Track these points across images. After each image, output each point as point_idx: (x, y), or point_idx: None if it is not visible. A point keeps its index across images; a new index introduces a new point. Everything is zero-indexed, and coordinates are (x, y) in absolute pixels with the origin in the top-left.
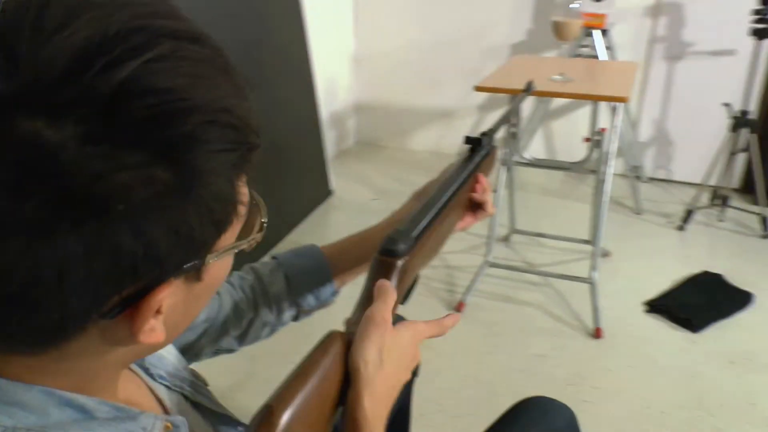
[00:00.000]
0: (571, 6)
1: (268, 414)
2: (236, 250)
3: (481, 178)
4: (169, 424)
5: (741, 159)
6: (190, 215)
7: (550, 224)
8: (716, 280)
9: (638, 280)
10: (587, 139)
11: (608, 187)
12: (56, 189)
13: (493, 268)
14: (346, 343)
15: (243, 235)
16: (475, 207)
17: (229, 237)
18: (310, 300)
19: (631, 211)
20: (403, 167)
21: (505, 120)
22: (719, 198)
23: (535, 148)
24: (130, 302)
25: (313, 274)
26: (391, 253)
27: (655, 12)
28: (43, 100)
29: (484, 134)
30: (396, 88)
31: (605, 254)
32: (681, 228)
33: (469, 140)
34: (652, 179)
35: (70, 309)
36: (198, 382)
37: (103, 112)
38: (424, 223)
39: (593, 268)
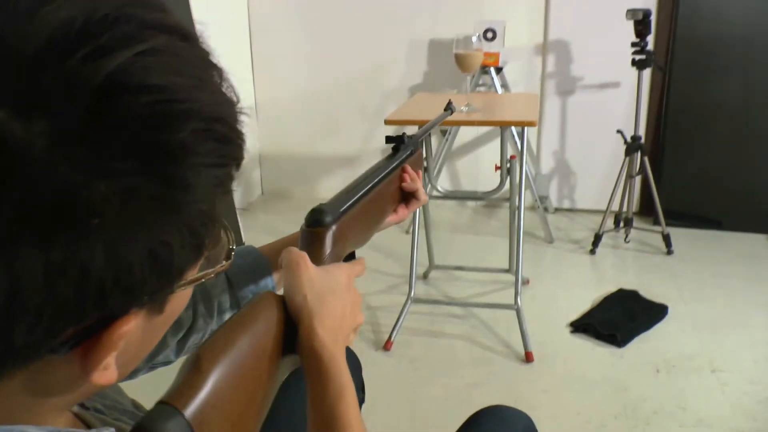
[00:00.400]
0: (473, 39)
1: (195, 361)
2: (203, 279)
3: (409, 169)
4: None
5: (638, 182)
6: (172, 236)
7: (465, 258)
8: (632, 295)
9: (559, 304)
10: (498, 167)
11: (522, 210)
12: (18, 196)
13: (417, 305)
14: (278, 298)
15: (209, 263)
16: (407, 198)
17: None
18: (249, 293)
19: (543, 241)
20: None
21: (426, 131)
22: (623, 221)
23: (441, 185)
24: (87, 335)
25: (253, 272)
26: (317, 223)
27: (543, 50)
28: (9, 85)
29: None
30: (298, 136)
31: (524, 282)
32: (592, 252)
33: (391, 139)
34: (558, 210)
35: (13, 342)
36: (139, 413)
37: (85, 108)
38: (350, 201)
39: (517, 293)
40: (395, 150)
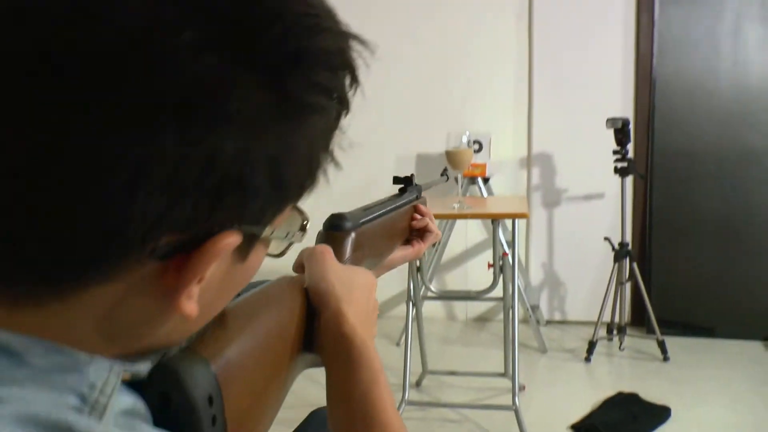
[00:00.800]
0: (463, 139)
1: (220, 317)
2: (285, 241)
3: (421, 207)
4: (127, 374)
5: (629, 290)
6: (288, 153)
7: (458, 366)
8: (633, 398)
9: (557, 408)
10: (491, 265)
11: (516, 306)
12: (164, 78)
13: (411, 410)
14: (301, 284)
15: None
16: (421, 234)
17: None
18: None
19: (537, 351)
20: None
21: (427, 186)
22: (616, 329)
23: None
24: (186, 247)
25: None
26: (337, 227)
27: (528, 163)
28: None
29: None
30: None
31: (520, 388)
32: (587, 359)
33: (398, 180)
34: (549, 322)
35: (129, 224)
36: None
37: (237, 7)
38: (368, 216)
39: (515, 393)
40: (401, 191)
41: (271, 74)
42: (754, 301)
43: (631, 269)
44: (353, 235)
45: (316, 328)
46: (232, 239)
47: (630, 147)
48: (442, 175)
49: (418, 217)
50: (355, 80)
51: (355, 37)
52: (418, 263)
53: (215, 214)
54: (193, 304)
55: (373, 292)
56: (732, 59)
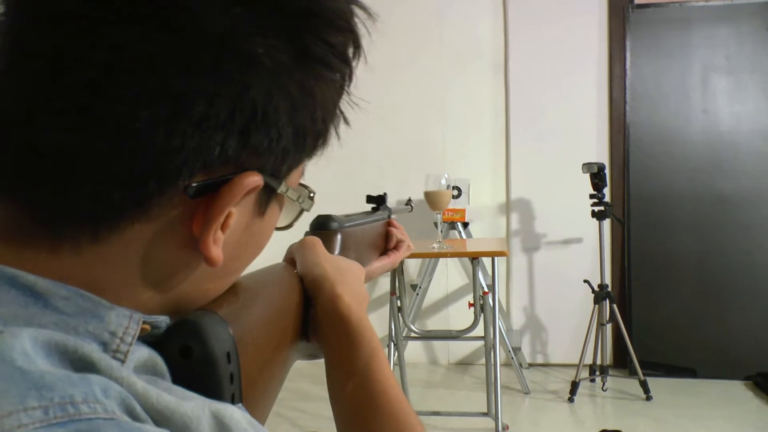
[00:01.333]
0: (442, 181)
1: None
2: (299, 201)
3: (394, 222)
4: (147, 326)
5: (610, 333)
6: (307, 97)
7: (441, 408)
8: None
9: None
10: (471, 304)
11: (498, 344)
12: (205, 26)
13: None
14: (295, 271)
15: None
16: (397, 246)
17: (295, 176)
18: None
19: (520, 392)
20: None
21: (397, 211)
22: (599, 369)
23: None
24: (213, 186)
25: None
26: (323, 226)
27: (507, 209)
28: None
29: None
30: None
31: (504, 428)
32: (570, 400)
33: (372, 199)
34: (532, 365)
35: (167, 157)
36: None
37: None
38: (351, 222)
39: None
40: (374, 210)
41: (288, 28)
42: (734, 341)
43: (612, 311)
44: (340, 235)
45: (311, 316)
46: (256, 178)
47: (606, 191)
48: (406, 204)
49: (394, 230)
50: (358, 48)
51: (361, 5)
52: (399, 304)
53: (242, 153)
54: (219, 249)
55: (363, 280)
56: (701, 108)
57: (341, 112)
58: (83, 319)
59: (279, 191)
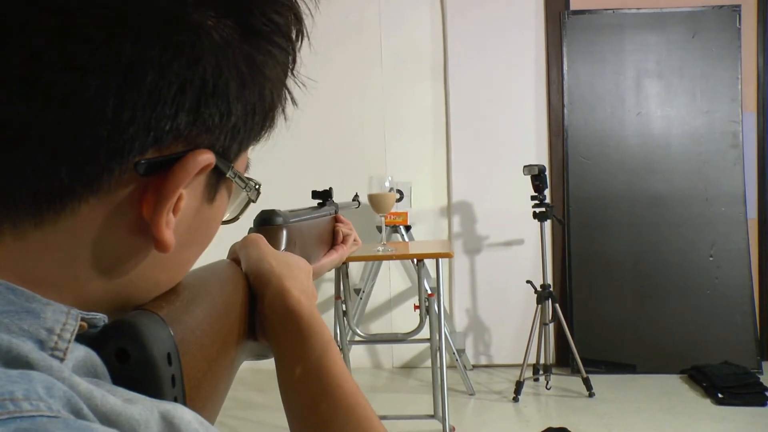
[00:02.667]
0: (386, 183)
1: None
2: (246, 189)
3: (341, 217)
4: (84, 323)
5: (553, 332)
6: (256, 72)
7: (386, 411)
8: (562, 430)
9: None
10: (417, 306)
11: (443, 346)
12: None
13: None
14: (238, 268)
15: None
16: (344, 241)
17: (242, 162)
18: None
19: (465, 394)
20: None
21: (344, 206)
22: (542, 368)
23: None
24: (165, 165)
25: None
26: (268, 221)
27: (448, 212)
28: None
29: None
30: None
31: (450, 429)
32: (515, 399)
33: (317, 194)
34: (476, 366)
35: (117, 130)
36: None
37: None
38: (296, 217)
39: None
40: (320, 205)
41: (232, 4)
42: (670, 337)
43: (554, 310)
44: (285, 230)
45: (258, 313)
46: (207, 156)
47: (547, 193)
48: (353, 200)
49: (341, 225)
50: (301, 27)
51: None
52: (344, 308)
53: (193, 129)
54: (171, 233)
55: (310, 275)
56: (635, 111)
57: (289, 92)
58: (16, 316)
59: (228, 175)
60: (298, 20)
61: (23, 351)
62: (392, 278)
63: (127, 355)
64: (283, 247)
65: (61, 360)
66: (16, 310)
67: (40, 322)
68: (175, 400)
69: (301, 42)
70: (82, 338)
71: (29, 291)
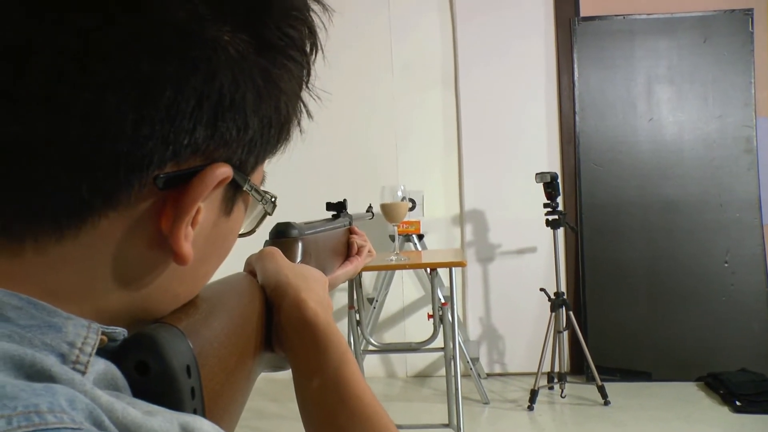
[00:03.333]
0: (398, 192)
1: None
2: (263, 202)
3: (356, 229)
4: (104, 337)
5: (567, 340)
6: (271, 85)
7: (401, 420)
8: None
9: None
10: (430, 316)
11: (458, 355)
12: (169, 14)
13: None
14: (254, 281)
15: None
16: (359, 252)
17: (258, 175)
18: None
19: (479, 403)
20: None
21: (358, 218)
22: (557, 377)
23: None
24: (183, 179)
25: None
26: (283, 234)
27: (461, 220)
28: None
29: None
30: None
31: None
32: (530, 408)
33: (331, 206)
34: (490, 375)
35: (137, 145)
36: None
37: None
38: (312, 229)
39: None
40: (335, 217)
41: (246, 19)
42: (686, 344)
43: (568, 318)
44: (300, 242)
45: (275, 325)
46: (225, 169)
47: (560, 200)
48: (367, 211)
49: (355, 237)
50: (315, 40)
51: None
52: (357, 317)
53: (211, 143)
54: (190, 246)
55: (326, 287)
56: (647, 117)
57: (304, 105)
58: (38, 331)
59: (245, 188)
60: (312, 33)
61: (46, 365)
62: (405, 287)
63: (148, 368)
64: (298, 259)
65: (83, 373)
66: (39, 324)
67: (62, 336)
68: (195, 412)
69: (315, 55)
70: (102, 352)
71: (51, 305)
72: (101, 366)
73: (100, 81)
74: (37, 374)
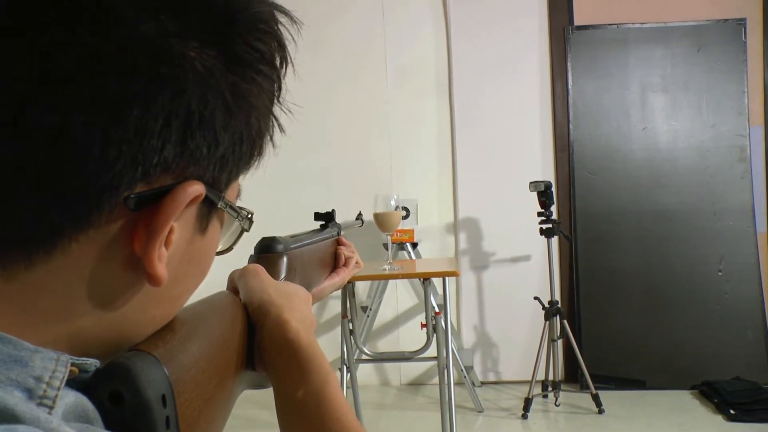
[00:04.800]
0: (391, 202)
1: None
2: (238, 219)
3: (344, 239)
4: (75, 369)
5: (561, 348)
6: (241, 100)
7: (394, 430)
8: None
9: None
10: (423, 325)
11: (451, 364)
12: (136, 34)
13: None
14: (238, 299)
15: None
16: (346, 263)
17: (233, 192)
18: None
19: (473, 411)
20: None
21: (346, 227)
22: (551, 385)
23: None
24: (154, 198)
25: None
26: (268, 249)
27: (455, 228)
28: None
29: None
30: None
31: None
32: (524, 416)
33: (320, 216)
34: (484, 383)
35: (106, 166)
36: None
37: None
38: (297, 243)
39: None
40: (323, 227)
41: (214, 34)
42: (680, 352)
43: (562, 326)
44: (285, 257)
45: (257, 344)
46: (197, 187)
47: (553, 209)
48: (357, 218)
49: (343, 248)
50: (284, 53)
51: (282, 11)
52: (351, 326)
53: (181, 161)
54: (164, 267)
55: (309, 305)
56: (641, 125)
57: (275, 119)
58: (4, 366)
59: (219, 205)
60: (282, 47)
61: (9, 404)
62: (399, 295)
63: (122, 398)
64: (283, 274)
65: (51, 407)
66: (3, 359)
67: (28, 371)
68: None
69: (286, 69)
70: (73, 383)
71: (17, 339)
72: (71, 398)
73: (66, 102)
74: None
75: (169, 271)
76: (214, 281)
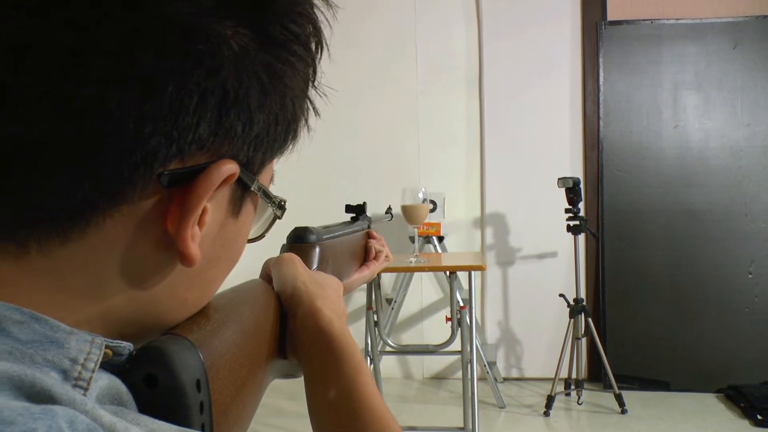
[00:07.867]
0: (419, 194)
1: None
2: (271, 204)
3: (374, 233)
4: (109, 351)
5: (585, 347)
6: (276, 79)
7: (416, 423)
8: None
9: None
10: (448, 319)
11: (474, 359)
12: (171, 10)
13: None
14: (269, 287)
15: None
16: (376, 257)
17: (266, 176)
18: None
19: (495, 407)
20: None
21: (376, 220)
22: (574, 383)
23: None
24: (188, 177)
25: None
26: (301, 239)
27: (481, 223)
28: None
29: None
30: None
31: None
32: (546, 414)
33: (351, 208)
34: (507, 379)
35: (140, 141)
36: None
37: None
38: (330, 234)
39: None
40: (354, 219)
41: (248, 14)
42: (706, 354)
43: (587, 325)
44: (318, 247)
45: (289, 332)
46: (231, 166)
47: (581, 206)
48: (386, 213)
49: (373, 241)
50: (319, 36)
51: None
52: (375, 318)
53: (216, 139)
54: (196, 247)
55: (341, 295)
56: (673, 123)
57: (311, 102)
58: (40, 347)
59: (252, 188)
60: (317, 31)
61: (46, 385)
62: (424, 289)
63: (156, 382)
64: (315, 264)
65: (85, 389)
66: (40, 340)
67: (64, 352)
68: (203, 427)
69: (321, 53)
70: (107, 365)
71: (54, 320)
72: (105, 381)
73: (101, 77)
74: (36, 395)
75: (201, 252)
76: (247, 270)
